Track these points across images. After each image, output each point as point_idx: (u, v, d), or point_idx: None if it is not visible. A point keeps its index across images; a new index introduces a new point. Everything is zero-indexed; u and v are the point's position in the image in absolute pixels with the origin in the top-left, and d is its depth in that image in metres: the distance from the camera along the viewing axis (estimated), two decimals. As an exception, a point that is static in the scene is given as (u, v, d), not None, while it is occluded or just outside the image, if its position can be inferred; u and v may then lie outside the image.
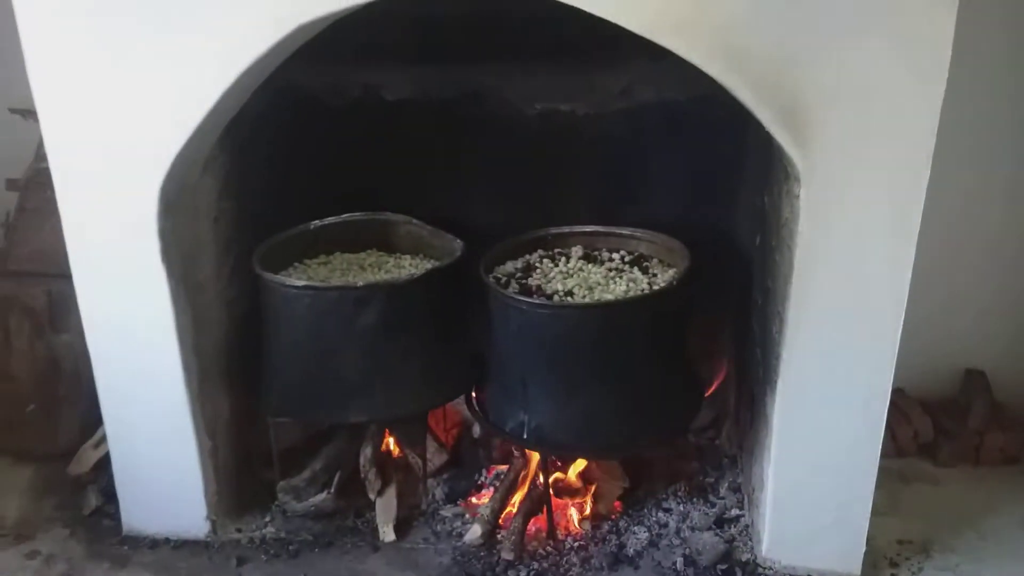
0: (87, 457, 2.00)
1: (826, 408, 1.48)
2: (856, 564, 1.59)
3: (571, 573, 1.62)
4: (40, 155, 2.16)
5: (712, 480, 1.86)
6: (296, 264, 1.87)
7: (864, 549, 1.58)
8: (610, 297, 1.63)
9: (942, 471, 1.94)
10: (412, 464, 1.88)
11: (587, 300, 1.62)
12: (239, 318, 1.81)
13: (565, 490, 1.76)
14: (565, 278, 1.73)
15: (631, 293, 1.65)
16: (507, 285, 1.72)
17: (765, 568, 1.62)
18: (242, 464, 1.84)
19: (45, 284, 2.04)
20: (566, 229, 1.90)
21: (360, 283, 1.61)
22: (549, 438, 1.64)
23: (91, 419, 2.10)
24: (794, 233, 1.40)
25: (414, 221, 1.92)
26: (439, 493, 1.84)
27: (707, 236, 1.82)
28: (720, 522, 1.72)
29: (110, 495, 1.86)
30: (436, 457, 1.88)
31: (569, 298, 1.64)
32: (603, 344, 1.59)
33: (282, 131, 1.85)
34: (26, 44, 1.44)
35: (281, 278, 1.64)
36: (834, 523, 1.57)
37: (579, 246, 1.89)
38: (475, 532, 1.68)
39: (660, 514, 1.76)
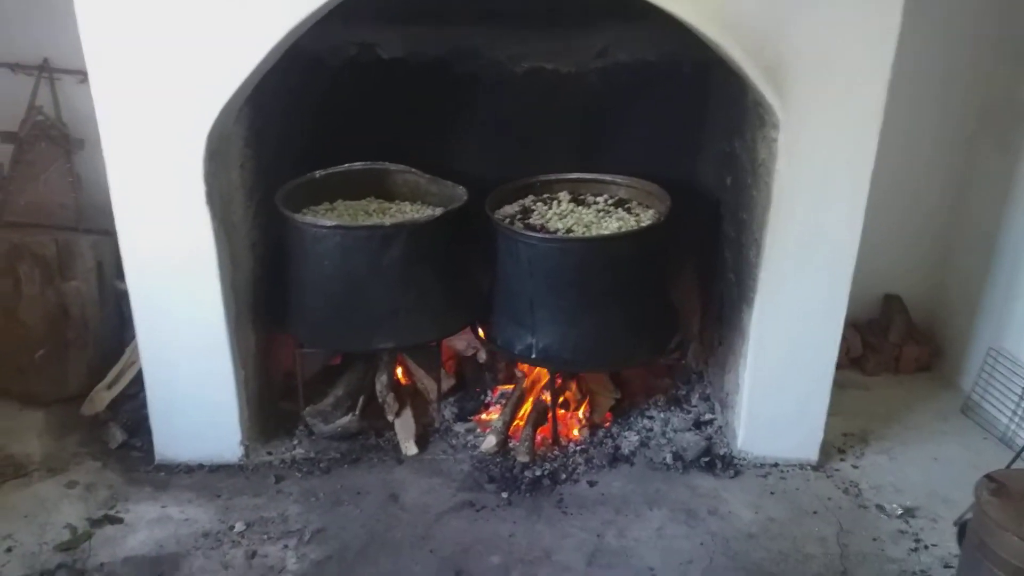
0: (100, 398, 2.10)
1: (795, 318, 1.77)
2: (814, 452, 1.91)
3: (578, 471, 1.87)
4: (34, 108, 2.21)
5: (684, 393, 2.14)
6: (304, 211, 2.03)
7: (821, 439, 1.89)
8: (607, 232, 1.87)
9: (870, 379, 2.30)
10: (421, 389, 2.08)
11: (588, 234, 1.86)
12: (262, 257, 1.95)
13: (565, 402, 2.00)
14: (561, 218, 1.96)
15: (623, 229, 1.89)
16: (512, 225, 1.93)
17: (739, 459, 1.91)
18: (267, 393, 2.00)
19: (51, 233, 2.11)
20: (553, 176, 2.12)
21: (388, 222, 1.79)
22: (556, 356, 1.87)
23: (98, 363, 2.21)
24: (771, 171, 1.67)
25: (412, 170, 2.10)
26: (449, 413, 2.05)
27: (675, 179, 2.08)
28: (698, 424, 2.01)
29: (132, 430, 1.99)
30: (445, 382, 2.08)
31: (570, 234, 1.87)
32: (603, 272, 1.83)
33: (291, 89, 1.99)
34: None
35: (312, 219, 1.80)
36: (797, 417, 1.87)
37: (566, 191, 2.11)
38: (490, 442, 1.90)
39: (645, 421, 2.03)
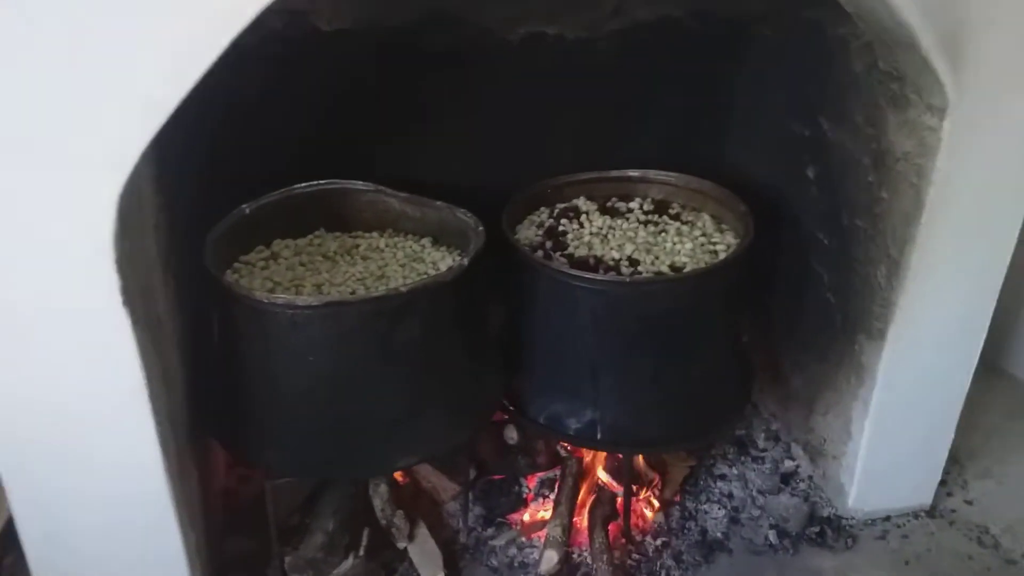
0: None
1: (932, 349, 1.39)
2: (929, 495, 1.58)
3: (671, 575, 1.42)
4: None
5: (745, 432, 1.73)
6: (234, 265, 1.38)
7: (939, 479, 1.56)
8: (686, 260, 1.39)
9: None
10: (428, 488, 1.53)
11: (668, 270, 1.37)
12: (191, 352, 1.29)
13: (636, 483, 1.53)
14: (604, 240, 1.45)
15: (703, 252, 1.42)
16: (549, 259, 1.40)
17: (849, 521, 1.54)
18: (221, 547, 1.36)
19: None
20: (564, 179, 1.60)
21: (404, 288, 1.18)
22: (631, 435, 1.39)
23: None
24: (923, 169, 1.25)
25: (380, 188, 1.49)
26: (473, 514, 1.51)
27: (707, 168, 1.63)
28: (785, 479, 1.61)
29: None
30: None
31: (639, 267, 1.37)
32: (693, 316, 1.35)
33: (203, 90, 1.30)
34: None
35: (290, 298, 1.16)
36: (918, 461, 1.53)
37: (583, 197, 1.60)
38: (551, 559, 1.39)
39: (720, 484, 1.61)
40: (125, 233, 0.98)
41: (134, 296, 1.02)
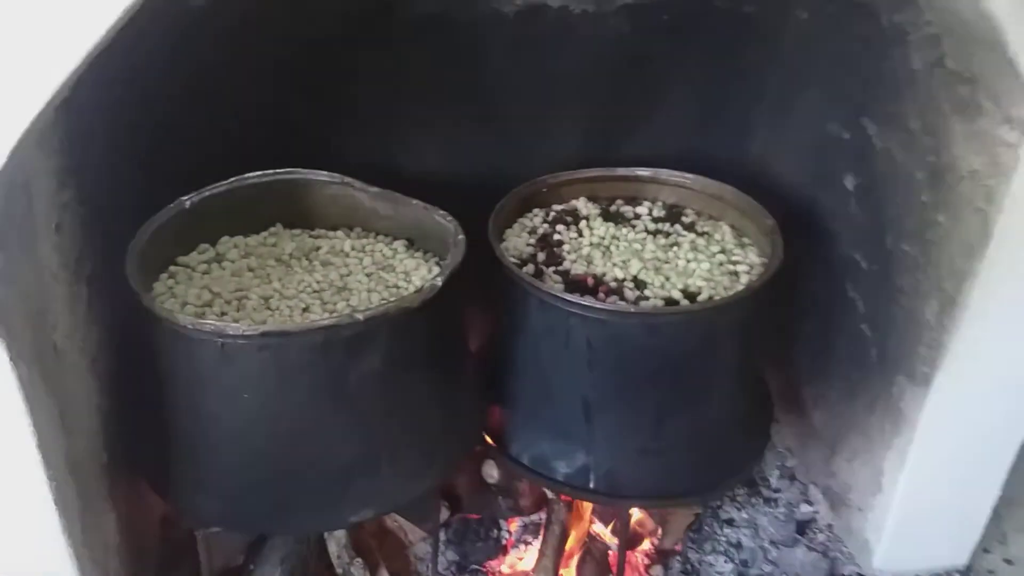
0: None
1: (986, 402, 1.19)
2: (966, 554, 1.38)
3: (671, 646, 1.24)
4: None
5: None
6: (170, 268, 1.17)
7: (978, 538, 1.37)
8: (702, 284, 1.18)
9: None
10: (391, 528, 1.34)
11: (681, 295, 1.16)
12: (110, 377, 1.09)
13: (634, 534, 1.33)
14: (608, 255, 1.24)
15: (722, 274, 1.21)
16: (540, 276, 1.19)
17: (874, 581, 1.36)
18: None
19: None
20: (564, 176, 1.38)
21: (361, 315, 0.98)
22: (629, 485, 1.19)
23: None
24: (994, 192, 1.03)
25: (346, 179, 1.27)
26: (444, 559, 1.32)
27: (725, 168, 1.42)
28: (802, 529, 1.42)
29: None
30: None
31: (646, 291, 1.16)
32: (706, 352, 1.15)
33: (125, 60, 1.08)
34: None
35: (219, 325, 0.95)
36: (957, 517, 1.33)
37: (583, 198, 1.38)
38: (531, 620, 1.21)
39: (727, 530, 1.41)
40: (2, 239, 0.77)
41: (14, 325, 0.81)
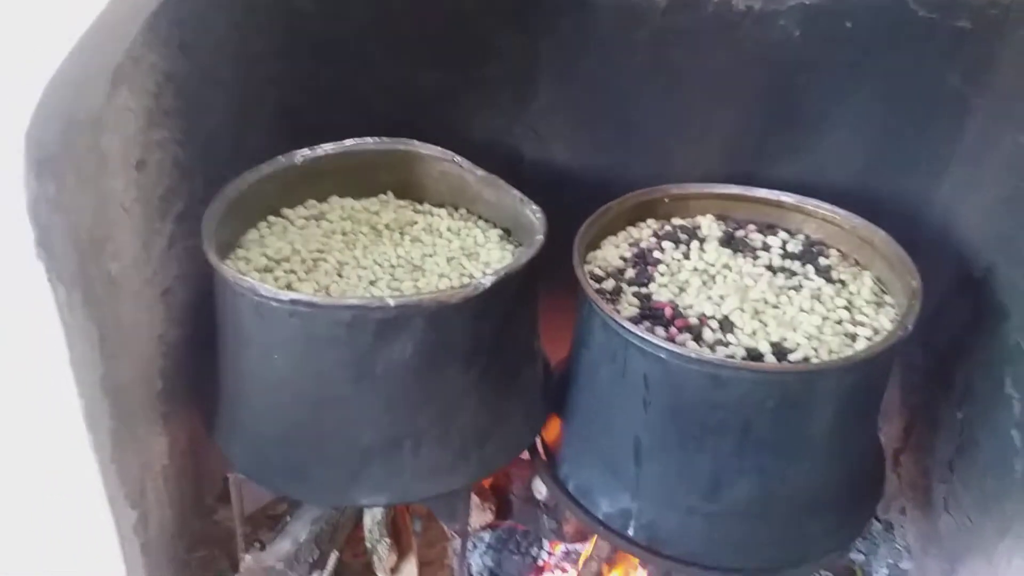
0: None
1: None
2: None
3: None
4: None
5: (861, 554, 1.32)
6: (269, 218, 1.20)
7: None
8: (801, 341, 1.01)
9: None
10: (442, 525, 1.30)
11: (769, 349, 0.99)
12: (182, 308, 1.15)
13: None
14: (707, 286, 1.10)
15: (834, 333, 1.02)
16: (617, 294, 1.08)
17: None
18: (190, 516, 1.24)
19: None
20: (692, 188, 1.24)
21: (392, 301, 0.94)
22: (669, 542, 1.06)
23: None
24: None
25: (455, 158, 1.23)
26: (479, 564, 1.27)
27: (897, 211, 1.20)
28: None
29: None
30: (476, 516, 1.29)
31: (730, 335, 1.02)
32: (781, 421, 0.98)
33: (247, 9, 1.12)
34: None
35: (255, 284, 0.96)
36: None
37: (710, 216, 1.24)
38: (543, 654, 1.13)
39: (802, 622, 1.23)
40: (44, 173, 0.82)
41: (57, 249, 0.86)
